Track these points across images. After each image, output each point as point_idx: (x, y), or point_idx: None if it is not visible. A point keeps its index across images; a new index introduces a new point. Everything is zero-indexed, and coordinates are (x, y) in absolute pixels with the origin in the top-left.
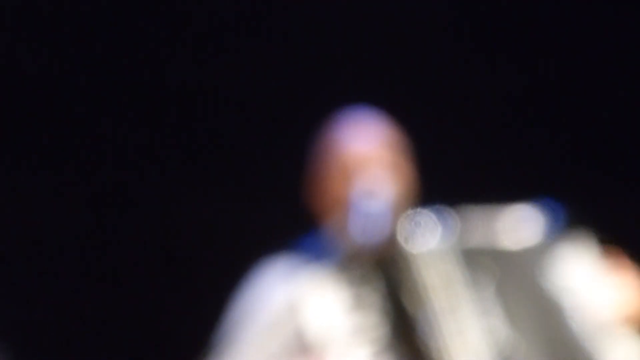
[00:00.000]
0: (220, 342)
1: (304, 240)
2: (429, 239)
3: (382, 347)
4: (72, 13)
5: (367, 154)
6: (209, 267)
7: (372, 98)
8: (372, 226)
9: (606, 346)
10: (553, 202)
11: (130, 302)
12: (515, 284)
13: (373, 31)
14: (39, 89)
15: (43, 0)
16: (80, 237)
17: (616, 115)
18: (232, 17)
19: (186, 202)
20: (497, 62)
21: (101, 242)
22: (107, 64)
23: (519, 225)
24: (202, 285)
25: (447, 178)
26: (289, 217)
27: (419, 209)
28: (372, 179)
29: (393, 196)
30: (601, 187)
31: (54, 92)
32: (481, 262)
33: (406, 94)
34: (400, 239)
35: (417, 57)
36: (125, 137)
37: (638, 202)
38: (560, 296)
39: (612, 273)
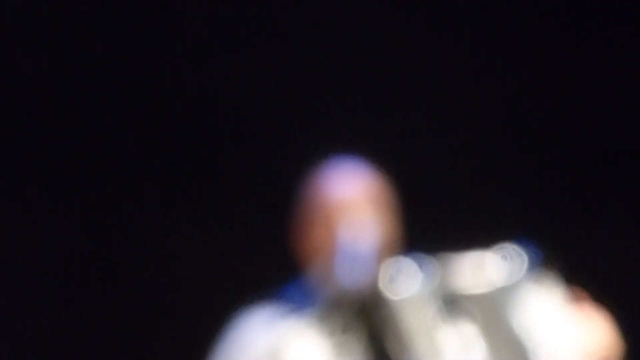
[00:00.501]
0: None
1: (288, 288)
2: (410, 285)
3: None
4: (70, 15)
5: (349, 200)
6: (193, 311)
7: (357, 143)
8: (358, 270)
9: None
10: (527, 241)
11: (114, 343)
12: (493, 326)
13: (357, 64)
14: (31, 91)
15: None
16: (65, 262)
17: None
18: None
19: (172, 245)
20: (479, 97)
21: (83, 275)
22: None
23: (494, 266)
24: (186, 331)
25: (426, 224)
26: (277, 264)
27: (400, 256)
28: (356, 224)
29: (377, 241)
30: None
31: (43, 96)
32: (462, 306)
33: (389, 136)
34: (382, 285)
35: (398, 100)
36: (112, 170)
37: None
38: (529, 337)
39: (577, 313)
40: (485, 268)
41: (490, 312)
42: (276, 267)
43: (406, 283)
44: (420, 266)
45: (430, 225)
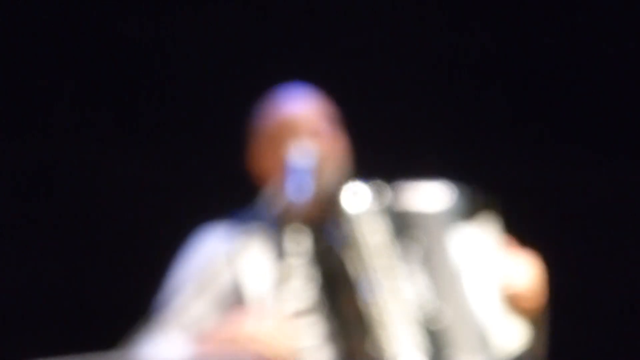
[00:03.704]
0: (160, 304)
1: (244, 208)
2: (363, 204)
3: (316, 303)
4: None
5: (300, 119)
6: (151, 233)
7: (310, 73)
8: (304, 183)
9: (497, 323)
10: (465, 183)
11: (72, 269)
12: (435, 249)
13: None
14: None
15: None
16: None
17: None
18: None
19: (131, 170)
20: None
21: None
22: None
23: (434, 195)
24: (144, 252)
25: (379, 154)
26: (234, 185)
27: (354, 180)
28: (305, 139)
29: (322, 156)
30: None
31: None
32: (409, 229)
33: (341, 70)
34: (340, 200)
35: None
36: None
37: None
38: (464, 264)
39: (510, 253)
40: (432, 195)
41: (433, 235)
42: (233, 188)
43: (360, 202)
44: (374, 188)
45: (380, 156)
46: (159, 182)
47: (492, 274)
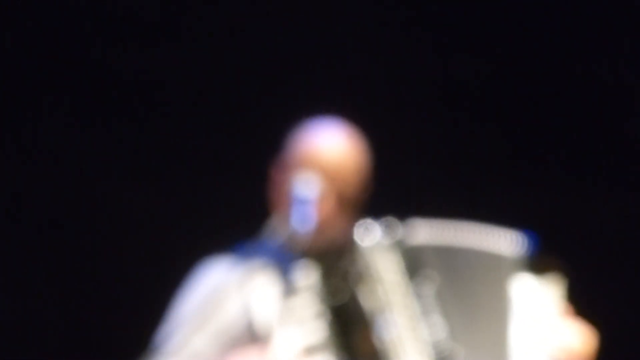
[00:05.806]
0: (162, 337)
1: (250, 240)
2: (375, 239)
3: (327, 339)
4: None
5: (325, 160)
6: (153, 266)
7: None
8: (307, 214)
9: None
10: (532, 233)
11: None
12: (456, 286)
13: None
14: None
15: None
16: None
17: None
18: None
19: (133, 202)
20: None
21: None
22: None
23: (490, 238)
24: (145, 284)
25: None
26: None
27: (368, 218)
28: (311, 173)
29: (324, 190)
30: None
31: None
32: (422, 266)
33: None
34: (353, 236)
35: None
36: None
37: None
38: (507, 310)
39: (561, 315)
40: (466, 233)
41: (455, 271)
42: (238, 220)
43: (372, 238)
44: (386, 224)
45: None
46: (159, 215)
47: (540, 331)
